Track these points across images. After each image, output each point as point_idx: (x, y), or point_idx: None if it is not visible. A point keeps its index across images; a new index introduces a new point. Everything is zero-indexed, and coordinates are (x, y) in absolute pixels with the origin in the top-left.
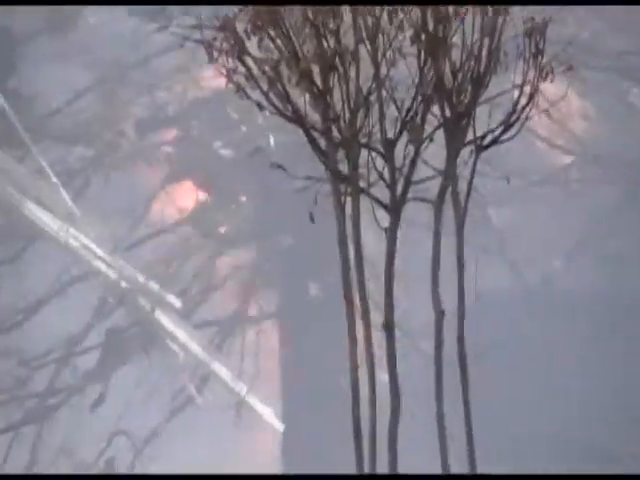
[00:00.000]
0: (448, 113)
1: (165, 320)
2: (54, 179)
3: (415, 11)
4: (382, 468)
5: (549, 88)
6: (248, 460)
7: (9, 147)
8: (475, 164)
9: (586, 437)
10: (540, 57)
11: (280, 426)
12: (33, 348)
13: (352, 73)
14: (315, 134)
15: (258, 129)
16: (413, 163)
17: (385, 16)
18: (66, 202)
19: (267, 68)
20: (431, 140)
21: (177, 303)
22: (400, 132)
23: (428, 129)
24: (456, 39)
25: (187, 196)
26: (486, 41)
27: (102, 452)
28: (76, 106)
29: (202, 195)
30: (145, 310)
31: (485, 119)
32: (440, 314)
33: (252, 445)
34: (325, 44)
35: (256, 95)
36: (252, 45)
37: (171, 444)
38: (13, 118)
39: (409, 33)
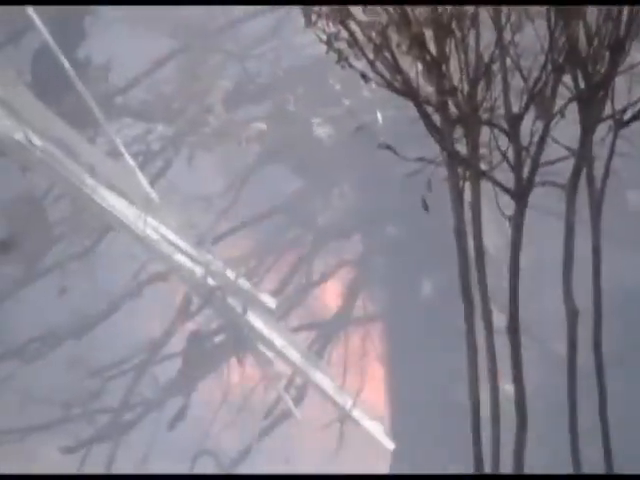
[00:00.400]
0: (582, 84)
1: (258, 323)
2: (130, 161)
3: None
4: None
5: None
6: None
7: (79, 125)
8: (614, 142)
9: None
10: None
11: (390, 444)
12: (106, 356)
13: (471, 39)
14: (429, 109)
15: (363, 104)
16: (542, 142)
17: None
18: (144, 187)
19: (373, 33)
20: (562, 115)
21: (271, 303)
22: (527, 106)
23: (559, 103)
24: None
25: (282, 181)
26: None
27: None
28: (155, 78)
29: (298, 180)
30: (235, 311)
31: (624, 91)
32: (573, 314)
33: (357, 466)
34: (440, 5)
35: (361, 64)
36: (356, 7)
37: (264, 465)
38: (83, 92)
39: None
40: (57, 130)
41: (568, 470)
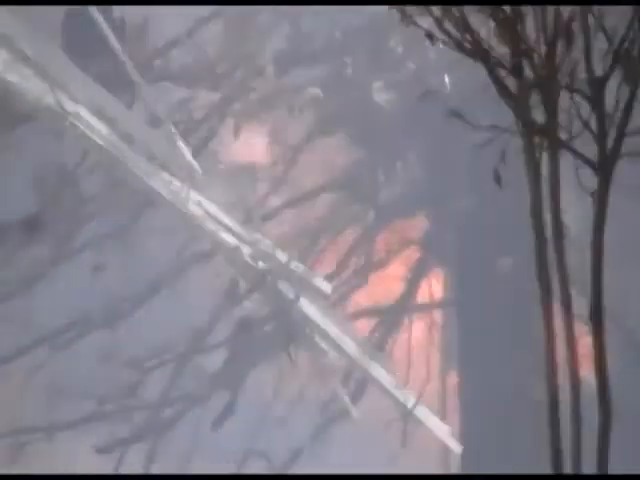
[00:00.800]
0: None
1: (312, 309)
2: (171, 129)
3: None
4: None
5: None
6: None
7: (115, 90)
8: None
9: None
10: None
11: (457, 447)
12: (144, 346)
13: None
14: (502, 72)
15: (429, 67)
16: (628, 109)
17: None
18: (186, 158)
19: None
20: None
21: (327, 288)
22: (611, 69)
23: None
24: None
25: (339, 152)
26: None
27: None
28: (199, 38)
29: (358, 151)
30: (286, 297)
31: None
32: None
33: (421, 469)
34: None
35: (426, 23)
36: None
37: (319, 467)
38: (120, 53)
39: None
40: (91, 95)
41: None
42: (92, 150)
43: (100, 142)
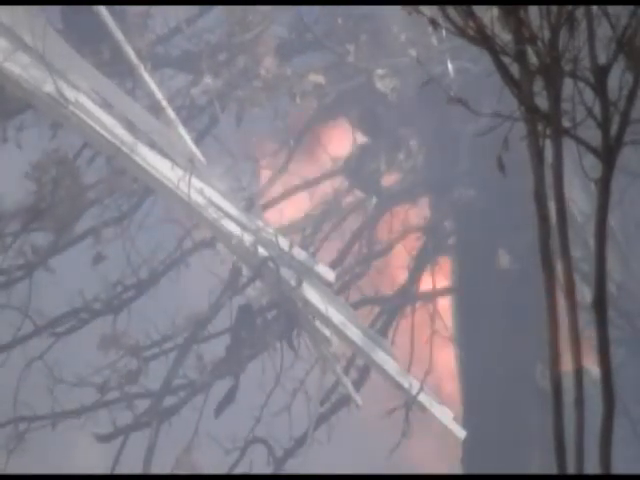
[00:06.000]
0: None
1: (314, 297)
2: (173, 116)
3: None
4: None
5: None
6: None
7: (116, 76)
8: None
9: None
10: None
11: (461, 432)
12: (145, 334)
13: None
14: (505, 59)
15: (432, 54)
16: (632, 96)
17: None
18: (188, 145)
19: None
20: None
21: (330, 275)
22: (615, 56)
23: None
24: None
25: (342, 139)
26: None
27: (233, 465)
28: (201, 24)
29: (360, 138)
30: (289, 284)
31: None
32: None
33: (425, 457)
34: None
35: (430, 10)
36: None
37: (321, 455)
38: (121, 40)
39: None
40: (92, 82)
41: None
42: (92, 137)
43: (101, 130)
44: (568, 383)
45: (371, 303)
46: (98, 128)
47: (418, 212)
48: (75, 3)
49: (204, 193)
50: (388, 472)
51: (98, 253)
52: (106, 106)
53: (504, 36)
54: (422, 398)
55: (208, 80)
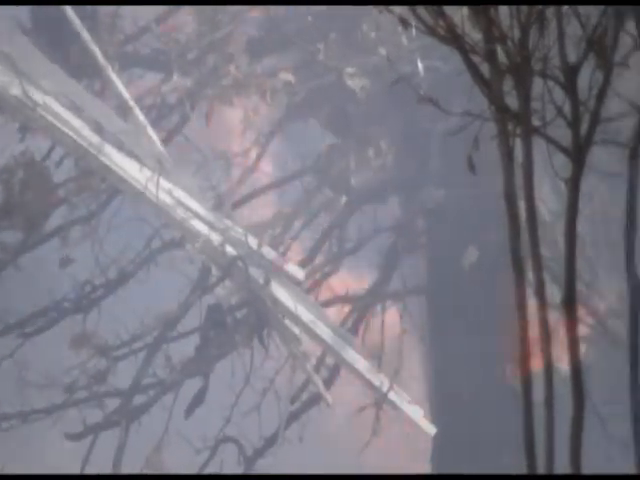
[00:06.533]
0: None
1: (284, 296)
2: (141, 116)
3: None
4: None
5: None
6: (390, 472)
7: (84, 77)
8: None
9: None
10: None
11: (431, 429)
12: (114, 333)
13: None
14: (475, 58)
15: (402, 53)
16: (601, 95)
17: None
18: (156, 145)
19: None
20: (625, 66)
21: (299, 274)
22: (585, 55)
23: (621, 51)
24: None
25: (311, 138)
26: None
27: (204, 465)
28: (169, 23)
29: (330, 137)
30: (258, 283)
31: None
32: (636, 288)
33: (395, 453)
34: None
35: (400, 8)
36: None
37: (292, 454)
38: (89, 40)
39: None
40: (59, 83)
41: (629, 461)
42: (61, 139)
43: (69, 132)
44: (538, 382)
45: (341, 302)
46: (66, 130)
47: (388, 211)
48: (59, 3)
49: (172, 193)
50: (359, 470)
51: (66, 256)
52: (74, 108)
53: (474, 35)
54: (392, 396)
55: (178, 79)
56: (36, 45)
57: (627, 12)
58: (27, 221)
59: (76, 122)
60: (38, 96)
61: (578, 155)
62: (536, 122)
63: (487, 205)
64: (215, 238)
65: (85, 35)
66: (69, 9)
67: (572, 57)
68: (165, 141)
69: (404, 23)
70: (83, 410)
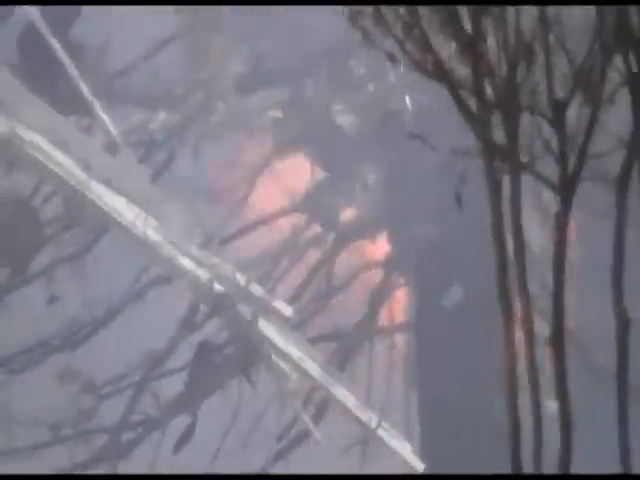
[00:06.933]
0: (634, 66)
1: (272, 332)
2: (129, 153)
3: None
4: None
5: None
6: None
7: (72, 114)
8: None
9: None
10: None
11: (420, 466)
12: (102, 371)
13: (510, 15)
14: (463, 94)
15: (390, 89)
16: (589, 131)
17: None
18: (144, 182)
19: (401, 9)
20: (612, 102)
21: (287, 311)
22: (573, 91)
23: (609, 88)
24: None
25: (299, 174)
26: None
27: None
28: (157, 60)
29: (318, 173)
30: (246, 320)
31: None
32: (625, 324)
33: None
34: None
35: (388, 44)
36: None
37: None
38: (77, 77)
39: None
40: (47, 120)
41: None
42: (48, 177)
43: (56, 169)
44: (526, 418)
45: (329, 339)
46: (54, 167)
47: (377, 247)
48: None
49: (161, 230)
50: None
51: (53, 294)
52: (61, 145)
53: (462, 70)
54: (381, 432)
55: (165, 116)
56: (23, 81)
57: (614, 48)
58: (14, 259)
59: (64, 159)
60: (26, 133)
61: (566, 191)
62: (524, 158)
63: (476, 240)
64: (203, 275)
65: (73, 71)
66: (57, 44)
67: (560, 93)
68: (153, 178)
69: (392, 59)
70: (70, 447)
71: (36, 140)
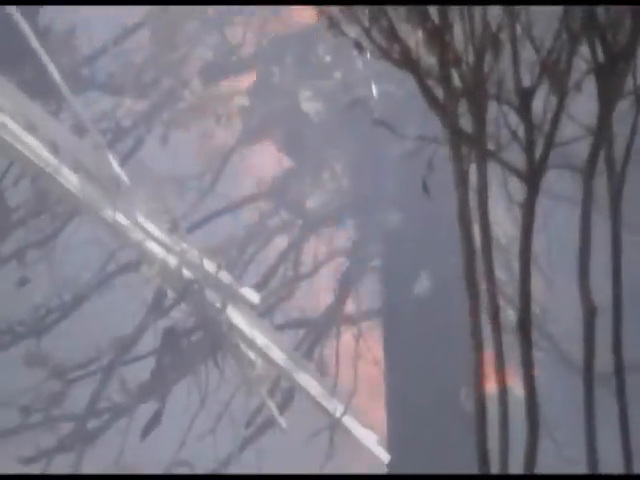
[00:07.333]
0: (601, 55)
1: (239, 319)
2: (98, 138)
3: None
4: None
5: None
6: None
7: (41, 98)
8: (636, 120)
9: None
10: None
11: (385, 456)
12: (70, 356)
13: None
14: (430, 82)
15: (357, 76)
16: (556, 119)
17: None
18: (112, 168)
19: None
20: (579, 90)
21: (254, 298)
22: (539, 79)
23: (575, 76)
24: None
25: (266, 162)
26: None
27: None
28: (125, 46)
29: (285, 161)
30: (213, 307)
31: None
32: (591, 312)
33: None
34: None
35: (355, 32)
36: None
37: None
38: (46, 61)
39: None
40: (16, 104)
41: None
42: (16, 159)
43: (25, 152)
44: (492, 406)
45: (296, 326)
46: (22, 150)
47: (343, 235)
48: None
49: (129, 215)
50: None
51: (23, 276)
52: (30, 128)
53: (429, 59)
54: (346, 421)
55: (132, 102)
56: None
57: (580, 36)
58: None
59: (33, 142)
60: None
61: (532, 179)
62: (491, 146)
63: (443, 228)
64: (171, 261)
65: (42, 53)
66: (25, 25)
67: (527, 81)
68: (120, 164)
69: (359, 47)
70: (37, 434)
71: (6, 122)
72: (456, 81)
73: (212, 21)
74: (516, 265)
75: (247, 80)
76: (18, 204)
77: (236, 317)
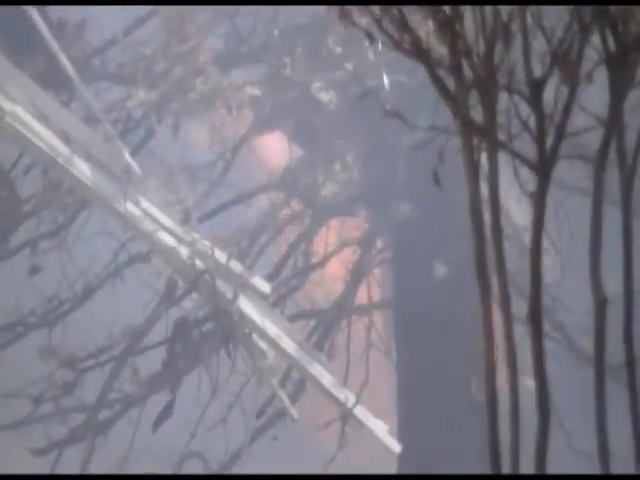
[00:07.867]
0: (612, 45)
1: (251, 310)
2: (109, 128)
3: None
4: None
5: None
6: None
7: (52, 88)
8: None
9: None
10: None
11: (396, 446)
12: (81, 347)
13: None
14: (441, 73)
15: (368, 67)
16: (567, 110)
17: None
18: (124, 158)
19: None
20: (590, 80)
21: (266, 288)
22: (550, 70)
23: (586, 66)
24: None
25: (278, 152)
26: None
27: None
28: (137, 36)
29: (297, 151)
30: (225, 297)
31: None
32: (602, 303)
33: (360, 470)
34: None
35: (366, 22)
36: None
37: (257, 470)
38: (57, 52)
39: None
40: (28, 93)
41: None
42: (28, 149)
43: (37, 142)
44: (504, 396)
45: (307, 316)
46: (34, 140)
47: (355, 225)
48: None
49: (140, 205)
50: None
51: (34, 264)
52: (42, 118)
53: (439, 49)
54: (358, 412)
55: (143, 93)
56: (3, 53)
57: (592, 26)
58: None
59: (44, 132)
60: (6, 104)
61: (543, 169)
62: (502, 136)
63: (454, 218)
64: (183, 251)
65: (53, 44)
66: (37, 17)
67: (538, 71)
68: (131, 155)
69: (370, 37)
70: (48, 424)
71: (18, 112)
72: (467, 71)
73: (223, 10)
74: (527, 255)
75: (258, 70)
76: (29, 194)
77: (247, 307)
